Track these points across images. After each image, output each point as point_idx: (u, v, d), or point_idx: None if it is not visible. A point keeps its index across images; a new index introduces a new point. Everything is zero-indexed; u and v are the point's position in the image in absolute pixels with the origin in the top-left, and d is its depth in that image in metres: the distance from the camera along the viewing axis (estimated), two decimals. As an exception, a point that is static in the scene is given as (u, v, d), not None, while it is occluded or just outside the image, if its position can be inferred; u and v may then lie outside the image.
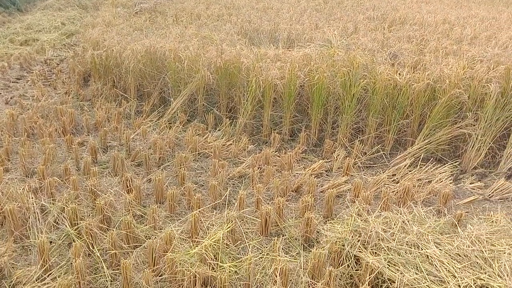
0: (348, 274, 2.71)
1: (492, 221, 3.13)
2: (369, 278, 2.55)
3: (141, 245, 2.98)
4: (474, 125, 4.34)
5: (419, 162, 4.30)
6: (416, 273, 2.49)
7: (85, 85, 6.65)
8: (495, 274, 2.47)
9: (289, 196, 3.75)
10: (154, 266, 2.77)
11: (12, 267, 2.80)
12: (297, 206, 3.52)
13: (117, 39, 6.32)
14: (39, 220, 3.20)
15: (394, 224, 2.86)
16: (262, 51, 5.43)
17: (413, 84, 4.40)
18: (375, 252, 2.67)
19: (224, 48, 5.41)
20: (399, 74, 4.58)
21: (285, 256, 2.90)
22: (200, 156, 4.47)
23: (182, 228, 3.15)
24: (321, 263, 2.63)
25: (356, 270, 2.70)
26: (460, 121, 4.42)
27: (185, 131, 4.95)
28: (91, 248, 2.93)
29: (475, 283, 2.41)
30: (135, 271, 2.74)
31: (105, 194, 3.47)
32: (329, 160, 4.44)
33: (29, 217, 3.19)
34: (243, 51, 5.39)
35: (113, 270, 2.80)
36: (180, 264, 2.65)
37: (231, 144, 4.65)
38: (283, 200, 3.32)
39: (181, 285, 2.57)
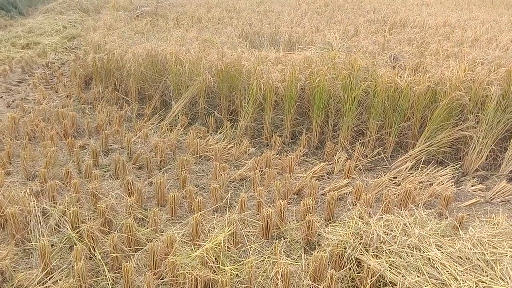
0: (349, 277, 2.71)
1: (494, 224, 3.13)
2: (371, 281, 2.54)
3: (142, 248, 2.99)
4: (475, 128, 4.34)
5: (420, 165, 4.30)
6: (418, 276, 2.48)
7: (87, 88, 6.66)
8: (497, 276, 2.47)
9: (290, 199, 3.75)
10: (155, 269, 2.76)
11: (14, 271, 2.80)
12: (298, 209, 3.52)
13: (118, 42, 6.34)
14: (40, 223, 3.20)
15: (396, 227, 2.86)
16: (263, 54, 5.44)
17: (414, 87, 4.40)
18: (377, 255, 2.67)
19: (225, 51, 5.43)
20: (400, 76, 4.58)
21: (287, 259, 2.89)
22: (201, 159, 4.48)
23: (184, 231, 3.15)
24: (322, 266, 2.62)
25: (357, 273, 2.69)
26: (461, 124, 4.42)
27: (186, 134, 4.95)
28: (93, 251, 2.93)
29: (477, 286, 2.41)
30: (136, 274, 2.74)
31: (107, 197, 3.48)
32: (330, 162, 4.44)
33: (30, 220, 3.19)
34: (244, 54, 5.40)
35: (114, 273, 2.80)
36: (181, 267, 2.65)
37: (232, 147, 4.65)
38: (284, 203, 3.31)
39: (183, 288, 2.57)
